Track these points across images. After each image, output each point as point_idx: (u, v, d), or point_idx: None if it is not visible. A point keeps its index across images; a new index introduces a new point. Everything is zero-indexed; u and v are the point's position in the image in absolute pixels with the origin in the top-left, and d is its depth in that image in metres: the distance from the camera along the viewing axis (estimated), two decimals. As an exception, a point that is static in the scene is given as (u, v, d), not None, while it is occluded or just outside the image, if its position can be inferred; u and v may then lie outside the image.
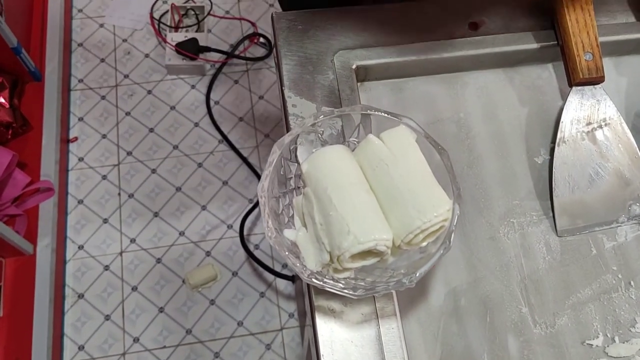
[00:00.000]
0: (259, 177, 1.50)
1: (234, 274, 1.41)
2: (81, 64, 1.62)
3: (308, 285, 0.46)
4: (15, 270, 1.33)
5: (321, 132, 0.41)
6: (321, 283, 0.36)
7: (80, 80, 1.60)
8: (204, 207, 1.48)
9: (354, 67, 0.53)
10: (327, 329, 0.45)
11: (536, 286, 0.49)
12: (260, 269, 1.42)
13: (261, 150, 1.53)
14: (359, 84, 0.54)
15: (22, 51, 1.39)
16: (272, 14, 0.55)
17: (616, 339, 0.48)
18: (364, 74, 0.54)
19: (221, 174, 1.51)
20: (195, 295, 1.39)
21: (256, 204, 1.45)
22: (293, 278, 1.36)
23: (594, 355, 0.47)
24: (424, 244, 0.38)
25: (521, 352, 0.47)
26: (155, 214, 1.47)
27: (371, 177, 0.39)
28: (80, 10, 1.69)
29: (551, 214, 0.51)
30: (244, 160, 1.52)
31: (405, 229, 0.37)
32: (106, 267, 1.42)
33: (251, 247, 1.43)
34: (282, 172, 0.41)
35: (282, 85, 0.53)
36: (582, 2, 0.53)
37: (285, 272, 1.40)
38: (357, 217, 0.36)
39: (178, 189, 1.50)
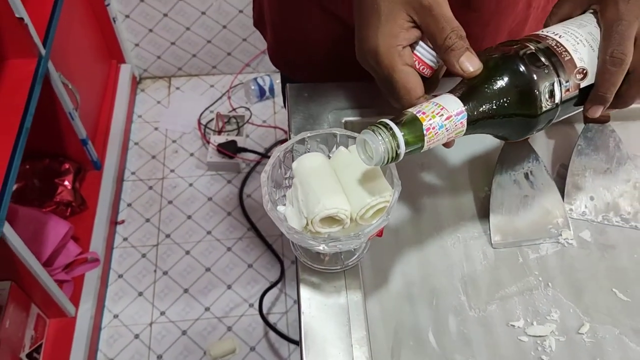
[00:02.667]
0: (281, 262, 1.66)
1: (252, 348, 1.53)
2: (135, 159, 1.87)
3: (297, 263, 0.62)
4: (56, 331, 1.48)
5: (309, 148, 0.59)
6: (300, 236, 0.52)
7: (133, 173, 1.84)
8: (229, 287, 1.63)
9: (343, 121, 0.72)
10: (308, 295, 0.59)
11: (473, 282, 0.63)
12: (276, 345, 1.53)
13: (284, 239, 1.70)
14: (347, 135, 0.73)
15: (88, 143, 1.65)
16: (286, 85, 0.76)
17: (534, 322, 0.60)
18: (350, 127, 0.73)
19: (247, 258, 1.68)
20: (214, 365, 1.50)
21: (276, 283, 1.59)
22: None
23: (516, 334, 0.60)
24: (374, 221, 0.54)
25: (458, 328, 0.60)
26: (185, 290, 1.62)
27: (340, 173, 0.56)
28: (140, 116, 1.97)
29: (488, 232, 0.66)
30: (269, 246, 1.69)
31: (360, 206, 0.53)
32: (136, 336, 1.55)
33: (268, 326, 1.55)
34: (279, 172, 0.58)
35: (290, 131, 0.72)
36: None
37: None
38: (326, 194, 0.53)
39: (207, 269, 1.66)
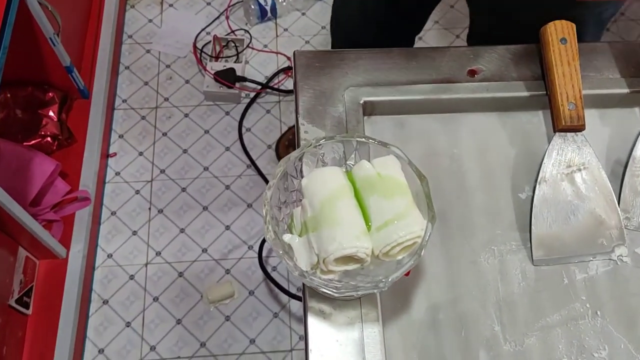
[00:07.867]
0: (282, 202, 1.58)
1: (251, 292, 1.48)
2: (126, 85, 1.74)
3: (304, 288, 0.52)
4: (47, 272, 1.41)
5: (322, 154, 0.48)
6: (309, 279, 0.43)
7: (124, 101, 1.72)
8: (227, 227, 1.56)
9: (361, 102, 0.60)
10: (317, 328, 0.51)
11: (509, 308, 0.54)
12: (276, 290, 1.48)
13: (286, 177, 1.60)
14: (365, 117, 0.61)
15: (73, 70, 1.51)
16: (293, 51, 0.63)
17: (579, 360, 0.52)
18: (370, 109, 0.61)
19: (247, 197, 1.59)
20: (212, 310, 1.45)
21: (277, 228, 1.52)
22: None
23: (557, 375, 0.52)
24: (400, 257, 0.44)
25: (490, 365, 0.52)
26: (182, 230, 1.55)
27: (360, 195, 0.45)
28: (130, 36, 1.81)
29: (529, 245, 0.56)
30: (269, 185, 1.59)
31: (384, 242, 0.43)
32: (131, 277, 1.49)
33: (269, 269, 1.49)
34: (285, 186, 0.48)
35: (297, 113, 0.60)
36: (570, 58, 0.59)
37: (299, 294, 1.45)
38: (343, 227, 0.43)
39: (205, 208, 1.58)
